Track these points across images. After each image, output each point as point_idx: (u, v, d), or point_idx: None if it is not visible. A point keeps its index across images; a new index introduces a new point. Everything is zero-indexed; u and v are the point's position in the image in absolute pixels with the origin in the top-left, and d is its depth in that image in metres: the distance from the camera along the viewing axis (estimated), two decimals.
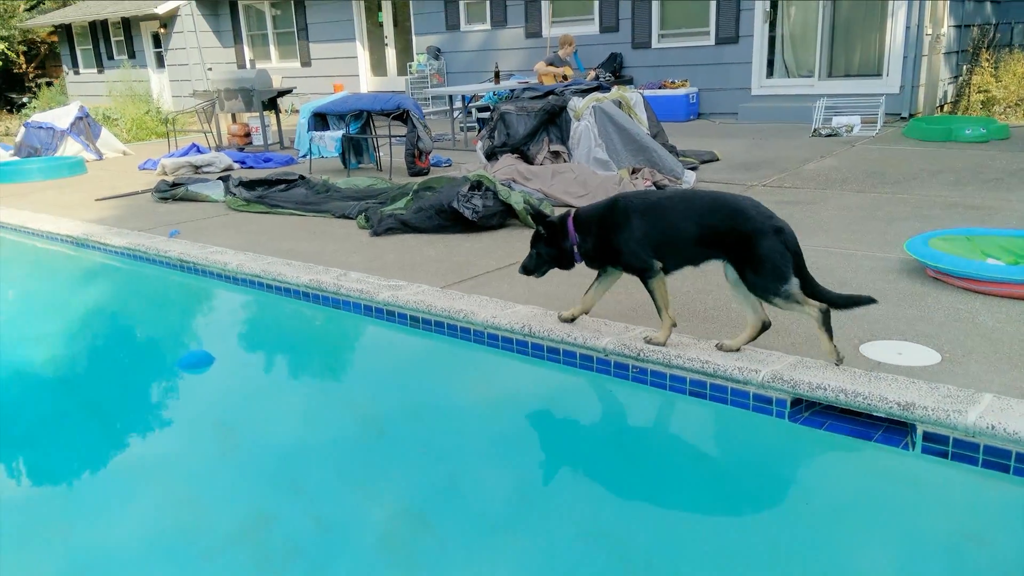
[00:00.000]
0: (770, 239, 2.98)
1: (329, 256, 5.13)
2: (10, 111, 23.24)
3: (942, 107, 10.87)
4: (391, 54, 16.11)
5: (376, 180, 7.56)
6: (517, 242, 5.16)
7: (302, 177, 7.64)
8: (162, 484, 2.96)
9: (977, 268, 3.78)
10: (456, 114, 11.19)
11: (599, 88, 7.78)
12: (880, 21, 10.43)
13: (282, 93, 11.16)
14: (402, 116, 8.24)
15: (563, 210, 3.54)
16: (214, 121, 11.45)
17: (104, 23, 20.06)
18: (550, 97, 7.39)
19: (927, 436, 2.66)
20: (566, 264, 3.48)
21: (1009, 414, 2.55)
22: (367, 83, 16.31)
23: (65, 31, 21.52)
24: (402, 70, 15.67)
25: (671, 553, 2.40)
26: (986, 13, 11.97)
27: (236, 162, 9.56)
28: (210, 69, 17.35)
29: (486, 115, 9.60)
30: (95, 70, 20.91)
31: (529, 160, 7.12)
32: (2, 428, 3.53)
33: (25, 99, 21.05)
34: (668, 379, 3.22)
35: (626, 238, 3.22)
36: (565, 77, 10.29)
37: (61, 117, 11.45)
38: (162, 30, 18.66)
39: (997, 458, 2.53)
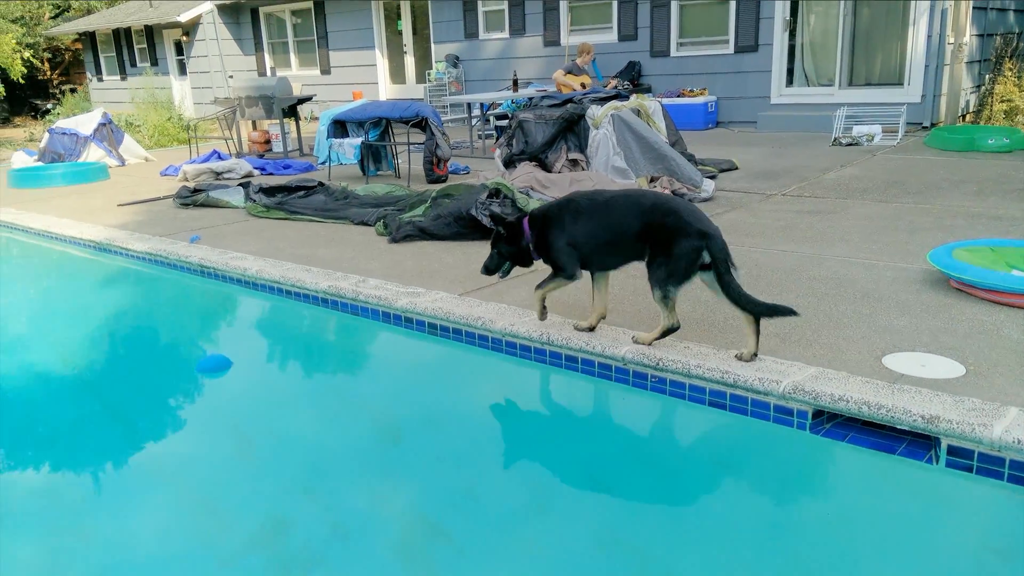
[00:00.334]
0: (691, 240, 3.13)
1: (348, 262, 5.15)
2: (35, 117, 23.62)
3: (964, 117, 10.77)
4: (410, 62, 16.20)
5: (395, 187, 7.58)
6: None
7: (321, 184, 7.68)
8: (180, 488, 2.97)
9: (1002, 280, 3.73)
10: (474, 122, 11.23)
11: (618, 96, 7.78)
12: (901, 30, 10.36)
13: (302, 100, 11.24)
14: (421, 124, 8.27)
15: None
16: (235, 128, 11.55)
17: (127, 31, 20.33)
18: (568, 105, 7.39)
19: (951, 450, 2.62)
20: (526, 262, 3.66)
21: None
22: (386, 91, 16.40)
23: (89, 38, 21.83)
24: (421, 78, 15.75)
25: (688, 564, 2.38)
26: (1009, 22, 11.86)
27: (256, 169, 9.64)
28: (231, 76, 17.51)
29: (504, 123, 9.62)
30: (118, 77, 21.18)
31: (547, 168, 7.12)
32: (24, 430, 3.57)
33: (49, 105, 21.35)
34: (687, 389, 3.20)
35: (568, 236, 3.44)
36: (584, 85, 10.30)
37: (84, 123, 11.59)
38: (184, 38, 18.88)
39: (1023, 473, 2.49)
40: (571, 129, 7.21)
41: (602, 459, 3.08)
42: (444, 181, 8.12)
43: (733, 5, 11.23)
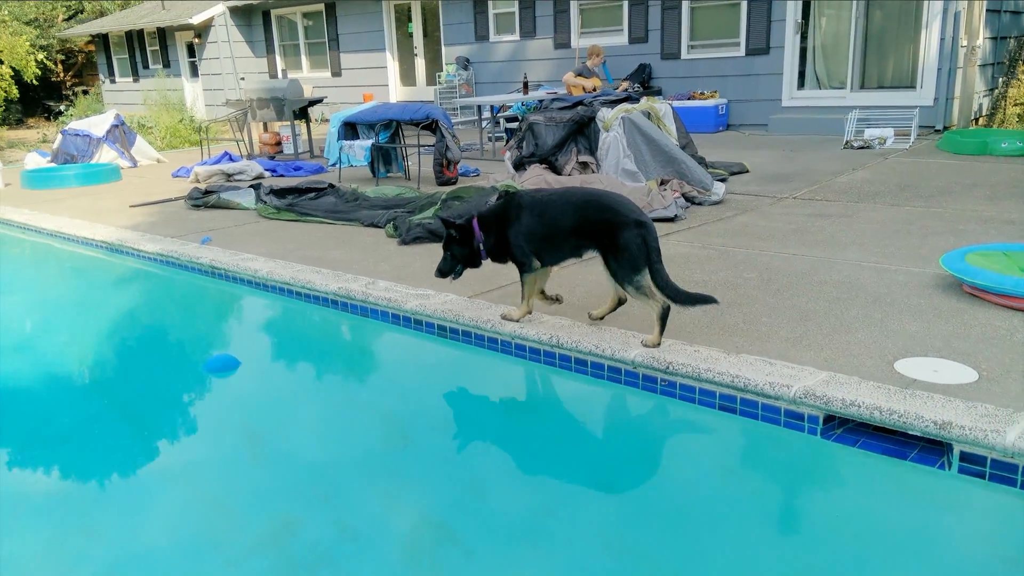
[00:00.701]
0: (631, 231, 3.31)
1: (357, 264, 5.16)
2: (48, 119, 23.78)
3: (977, 120, 10.70)
4: (421, 64, 16.23)
5: (405, 189, 7.60)
6: None
7: (331, 186, 7.70)
8: (188, 487, 2.98)
9: (1015, 284, 3.70)
10: (484, 124, 11.23)
11: (628, 99, 7.76)
12: (914, 32, 10.30)
13: (313, 102, 11.28)
14: (431, 126, 8.29)
15: None
16: (246, 130, 11.60)
17: (140, 33, 20.46)
18: (579, 108, 7.39)
19: (964, 456, 2.60)
20: (476, 262, 3.77)
21: None
22: (396, 93, 16.44)
23: (102, 40, 21.98)
24: (431, 80, 15.78)
25: (698, 569, 2.37)
26: (1022, 25, 11.77)
27: (267, 170, 9.67)
28: (243, 79, 17.59)
29: (514, 125, 9.62)
30: (131, 79, 21.32)
31: (557, 171, 7.12)
32: (34, 429, 3.59)
33: (62, 107, 21.49)
34: (697, 392, 3.19)
35: (515, 233, 3.58)
36: (594, 88, 10.29)
37: (97, 125, 11.66)
38: (196, 40, 18.99)
39: None
40: (581, 132, 7.20)
41: (611, 463, 3.07)
42: (454, 183, 8.12)
43: (744, 7, 11.20)
